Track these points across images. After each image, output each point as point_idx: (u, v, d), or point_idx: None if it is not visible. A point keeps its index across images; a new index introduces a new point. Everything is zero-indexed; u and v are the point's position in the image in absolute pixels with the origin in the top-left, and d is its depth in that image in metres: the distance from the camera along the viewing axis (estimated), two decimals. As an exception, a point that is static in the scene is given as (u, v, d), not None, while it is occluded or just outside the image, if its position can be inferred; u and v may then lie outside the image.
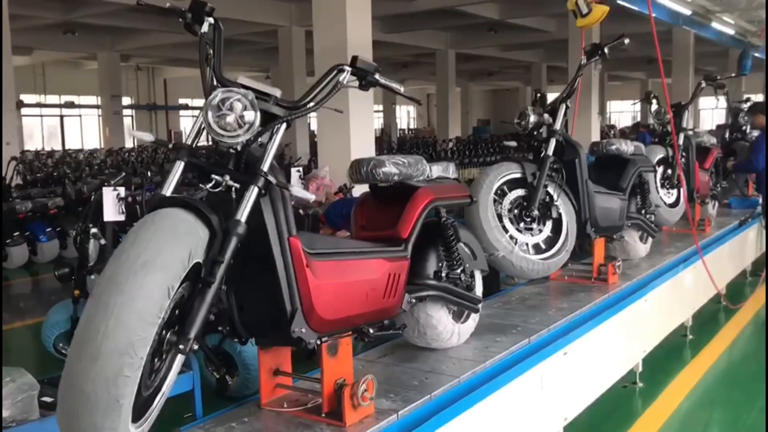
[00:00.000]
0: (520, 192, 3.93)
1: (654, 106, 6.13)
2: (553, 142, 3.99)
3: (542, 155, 3.96)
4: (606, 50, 4.27)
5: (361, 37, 8.28)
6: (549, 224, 3.97)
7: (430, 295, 2.91)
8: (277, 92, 2.18)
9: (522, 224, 3.89)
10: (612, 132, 27.77)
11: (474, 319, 3.28)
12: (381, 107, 34.52)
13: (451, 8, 16.11)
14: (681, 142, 5.93)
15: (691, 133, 6.45)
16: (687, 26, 8.70)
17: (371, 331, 2.54)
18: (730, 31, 11.45)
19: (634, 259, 5.08)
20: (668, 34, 17.74)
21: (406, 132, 37.53)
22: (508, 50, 24.94)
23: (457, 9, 16.46)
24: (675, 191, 5.85)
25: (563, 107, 4.09)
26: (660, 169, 5.72)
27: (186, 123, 32.61)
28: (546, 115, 4.05)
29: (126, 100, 27.01)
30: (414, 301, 2.81)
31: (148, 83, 31.15)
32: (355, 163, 2.80)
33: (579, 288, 4.33)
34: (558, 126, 4.04)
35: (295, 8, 16.52)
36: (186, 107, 32.07)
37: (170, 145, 2.37)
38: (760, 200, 8.07)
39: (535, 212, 3.88)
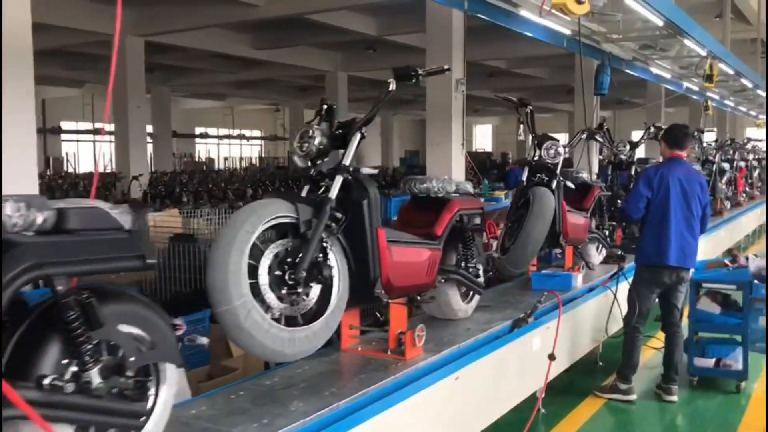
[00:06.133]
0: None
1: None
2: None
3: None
4: None
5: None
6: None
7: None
8: None
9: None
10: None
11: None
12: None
13: (299, 16, 13.51)
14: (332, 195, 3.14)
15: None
16: (479, 16, 5.79)
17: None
18: (561, 29, 7.12)
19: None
20: (571, 58, 15.60)
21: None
22: (407, 75, 22.49)
23: (335, 25, 14.45)
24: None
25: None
26: (273, 253, 2.94)
27: (68, 148, 29.10)
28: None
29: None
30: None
31: (24, 103, 27.78)
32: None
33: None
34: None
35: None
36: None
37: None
38: (576, 277, 5.32)
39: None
